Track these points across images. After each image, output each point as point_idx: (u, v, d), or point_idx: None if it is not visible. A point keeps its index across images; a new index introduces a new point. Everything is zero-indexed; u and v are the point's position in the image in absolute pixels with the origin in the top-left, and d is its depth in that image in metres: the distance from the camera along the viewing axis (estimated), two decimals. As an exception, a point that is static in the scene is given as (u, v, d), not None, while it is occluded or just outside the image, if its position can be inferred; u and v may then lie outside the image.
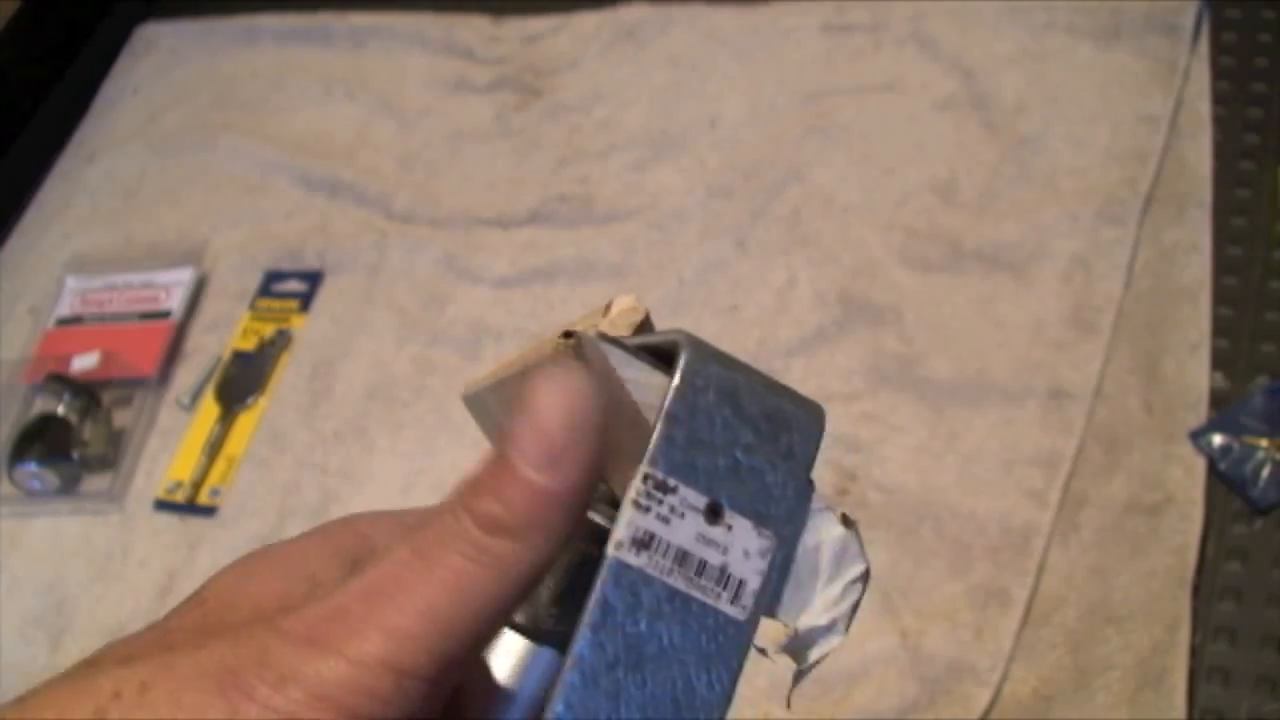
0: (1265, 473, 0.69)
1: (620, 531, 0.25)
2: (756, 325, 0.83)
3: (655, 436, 0.25)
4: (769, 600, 0.27)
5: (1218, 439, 0.71)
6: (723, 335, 0.83)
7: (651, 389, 0.26)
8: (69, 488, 0.88)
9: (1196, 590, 0.67)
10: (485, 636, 0.26)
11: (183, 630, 0.27)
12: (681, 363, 0.25)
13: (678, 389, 0.25)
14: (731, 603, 0.26)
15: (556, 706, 0.25)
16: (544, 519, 0.25)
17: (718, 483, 0.26)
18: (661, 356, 0.27)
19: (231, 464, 0.87)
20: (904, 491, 0.73)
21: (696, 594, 0.26)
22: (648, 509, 0.25)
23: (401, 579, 0.25)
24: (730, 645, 0.26)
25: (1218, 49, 0.87)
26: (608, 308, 0.28)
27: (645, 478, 0.25)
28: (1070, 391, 0.74)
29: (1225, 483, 0.70)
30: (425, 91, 1.04)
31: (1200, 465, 0.70)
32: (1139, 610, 0.67)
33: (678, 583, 0.25)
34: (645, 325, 0.27)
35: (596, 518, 0.28)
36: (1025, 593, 0.68)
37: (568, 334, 0.28)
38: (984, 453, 0.74)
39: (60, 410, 0.90)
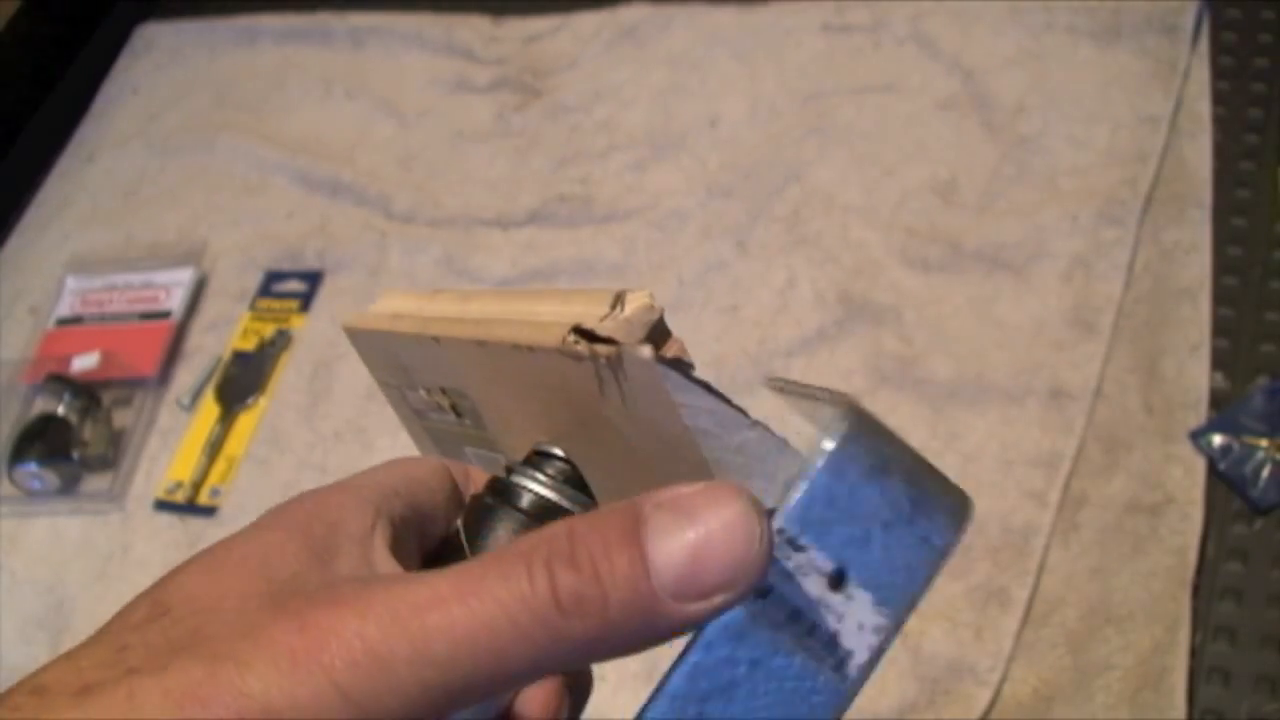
0: (1265, 473, 0.69)
1: None
2: (756, 325, 0.83)
3: (797, 495, 0.25)
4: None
5: (1218, 439, 0.71)
6: (723, 335, 0.83)
7: (705, 414, 0.25)
8: (69, 488, 0.88)
9: (1196, 590, 0.67)
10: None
11: (146, 646, 0.23)
12: (842, 431, 0.25)
13: (832, 455, 0.25)
14: (835, 670, 0.26)
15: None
16: (644, 633, 0.21)
17: (849, 552, 0.25)
18: (723, 398, 0.26)
19: (231, 464, 0.87)
20: (904, 491, 0.73)
21: (800, 653, 0.25)
22: (774, 560, 0.25)
23: (428, 616, 0.21)
24: (822, 711, 0.26)
25: (1218, 49, 0.87)
26: (618, 301, 0.26)
27: (779, 531, 0.25)
28: (1070, 391, 0.74)
29: (1225, 483, 0.70)
30: (425, 91, 1.04)
31: (1200, 465, 0.70)
32: (1139, 610, 0.67)
33: (784, 637, 0.25)
34: (660, 323, 0.26)
35: None
36: (1025, 593, 0.68)
37: (590, 336, 0.26)
38: (984, 453, 0.74)
39: (60, 410, 0.90)
